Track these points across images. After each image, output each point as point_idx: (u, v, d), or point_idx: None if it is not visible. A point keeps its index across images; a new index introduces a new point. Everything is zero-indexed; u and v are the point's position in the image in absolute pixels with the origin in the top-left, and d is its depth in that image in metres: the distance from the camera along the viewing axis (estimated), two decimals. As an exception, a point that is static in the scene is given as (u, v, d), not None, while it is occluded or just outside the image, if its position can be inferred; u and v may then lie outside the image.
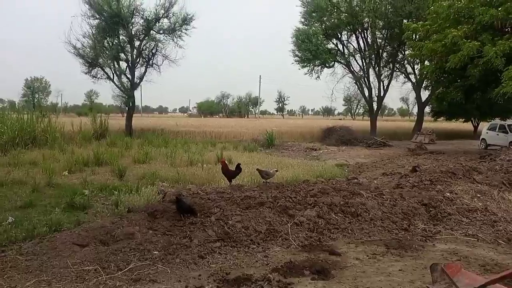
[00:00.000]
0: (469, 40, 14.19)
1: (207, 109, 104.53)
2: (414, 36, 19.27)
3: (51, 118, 19.41)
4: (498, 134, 21.92)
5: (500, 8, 14.00)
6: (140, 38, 24.89)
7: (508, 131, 21.31)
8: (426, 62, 19.97)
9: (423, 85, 27.39)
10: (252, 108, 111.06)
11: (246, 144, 21.83)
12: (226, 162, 13.17)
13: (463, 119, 34.44)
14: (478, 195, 8.00)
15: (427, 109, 34.02)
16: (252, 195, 6.69)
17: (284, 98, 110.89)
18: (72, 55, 23.70)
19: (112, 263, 4.39)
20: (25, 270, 4.20)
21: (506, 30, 14.78)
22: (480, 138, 24.14)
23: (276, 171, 9.15)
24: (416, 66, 28.37)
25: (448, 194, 7.86)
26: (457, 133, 35.05)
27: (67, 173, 10.72)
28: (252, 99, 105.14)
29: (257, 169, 8.78)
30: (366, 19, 27.88)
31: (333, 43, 31.11)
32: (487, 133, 23.25)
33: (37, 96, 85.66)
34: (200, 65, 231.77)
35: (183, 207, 5.73)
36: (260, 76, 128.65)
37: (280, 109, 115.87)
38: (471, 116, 32.24)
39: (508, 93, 12.87)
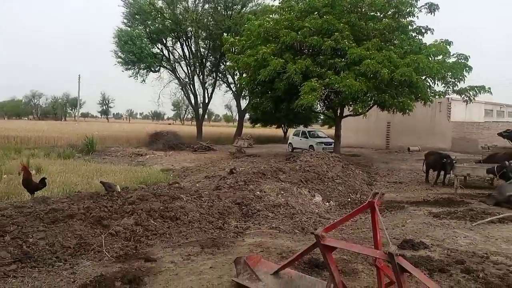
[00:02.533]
0: (275, 57, 16.24)
1: (13, 109, 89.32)
2: (232, 49, 20.87)
3: None
4: (301, 139, 25.66)
5: (299, 32, 16.52)
6: None
7: (308, 136, 25.22)
8: (243, 74, 21.90)
9: (242, 94, 29.85)
10: (71, 110, 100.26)
11: (61, 150, 19.59)
12: (33, 171, 11.58)
13: (275, 126, 39.19)
14: (282, 192, 9.22)
15: (247, 116, 37.31)
16: (60, 207, 6.05)
17: (108, 101, 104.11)
18: None
19: None
20: None
21: (304, 51, 17.51)
22: (288, 142, 27.82)
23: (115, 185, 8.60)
24: (235, 77, 30.79)
25: (258, 192, 8.80)
26: (271, 137, 39.42)
27: None
28: (70, 100, 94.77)
29: (101, 181, 8.39)
30: (189, 28, 28.77)
31: (158, 48, 31.07)
32: (293, 138, 26.94)
33: None
34: (3, 60, 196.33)
35: None
36: (79, 75, 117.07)
37: (105, 112, 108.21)
38: (281, 123, 36.96)
39: (304, 104, 15.25)
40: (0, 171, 11.19)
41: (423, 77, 16.40)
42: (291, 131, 32.86)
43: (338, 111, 19.45)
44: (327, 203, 9.61)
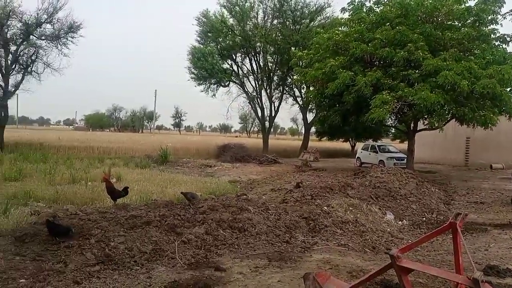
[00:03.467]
0: (344, 70, 15.99)
1: (97, 122, 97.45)
2: (300, 63, 20.95)
3: None
4: (370, 154, 24.79)
5: (369, 44, 16.13)
6: (18, 43, 22.34)
7: (378, 151, 24.28)
8: (311, 87, 21.83)
9: (308, 108, 29.73)
10: (147, 123, 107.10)
11: (139, 160, 20.97)
12: (113, 179, 12.50)
13: (343, 139, 38.30)
14: (351, 208, 8.93)
15: (313, 129, 37.00)
16: (138, 214, 6.46)
17: (181, 114, 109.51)
18: None
19: (-35, 297, 3.82)
20: None
21: (375, 63, 17.04)
22: (356, 157, 27.00)
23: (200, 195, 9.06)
24: (302, 91, 30.78)
25: (325, 207, 8.62)
26: (337, 151, 38.55)
27: None
28: (147, 113, 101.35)
29: (182, 192, 8.73)
30: (258, 43, 29.49)
31: (228, 64, 32.19)
32: (361, 152, 26.11)
33: None
34: (90, 76, 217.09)
35: (54, 230, 5.26)
36: (155, 90, 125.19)
37: (177, 125, 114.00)
38: (349, 136, 36.06)
39: (375, 118, 14.76)
40: (85, 178, 12.25)
41: (508, 89, 15.09)
42: (359, 145, 31.91)
43: (412, 125, 18.53)
44: (400, 222, 9.11)
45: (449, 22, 16.75)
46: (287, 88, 32.74)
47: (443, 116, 16.32)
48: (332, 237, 7.09)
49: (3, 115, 23.41)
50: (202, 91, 31.36)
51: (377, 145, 25.72)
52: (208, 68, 28.22)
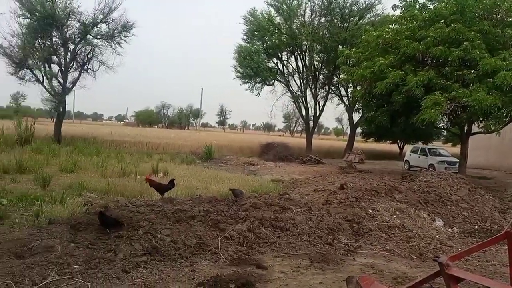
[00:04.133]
0: (394, 69, 15.42)
1: (146, 118, 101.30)
2: (347, 62, 20.51)
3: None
4: (419, 157, 23.82)
5: (421, 42, 15.45)
6: (76, 42, 23.74)
7: (428, 154, 23.27)
8: (358, 87, 21.29)
9: (355, 107, 29.08)
10: (193, 120, 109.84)
11: (184, 156, 21.56)
12: (161, 173, 12.94)
13: (390, 141, 37.05)
14: (397, 213, 8.64)
15: (359, 130, 36.14)
16: (184, 208, 6.65)
17: (226, 112, 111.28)
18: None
19: (27, 277, 4.12)
20: None
21: (427, 62, 16.30)
22: (404, 160, 26.04)
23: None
24: (349, 90, 30.12)
25: (370, 211, 8.40)
26: (384, 153, 37.45)
27: (-18, 181, 9.82)
28: (193, 111, 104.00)
29: (230, 189, 9.00)
30: (304, 42, 29.22)
31: (274, 62, 32.17)
32: (410, 155, 25.16)
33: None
34: (140, 74, 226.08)
35: (106, 221, 5.53)
36: (202, 88, 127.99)
37: (222, 123, 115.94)
38: (397, 138, 34.81)
39: (426, 120, 14.12)
40: (135, 172, 12.78)
41: None
42: (408, 148, 30.76)
43: (465, 127, 17.54)
44: (450, 229, 8.68)
45: (510, 19, 15.65)
46: (333, 87, 32.21)
47: (501, 119, 15.33)
48: (377, 241, 6.91)
49: (61, 110, 24.98)
50: (247, 90, 31.61)
51: (428, 148, 24.67)
52: (253, 66, 28.40)
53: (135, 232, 5.55)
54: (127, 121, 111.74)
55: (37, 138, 20.60)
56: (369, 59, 17.40)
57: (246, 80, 30.69)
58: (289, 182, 16.29)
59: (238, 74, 30.55)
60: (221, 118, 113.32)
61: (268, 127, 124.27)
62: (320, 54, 30.52)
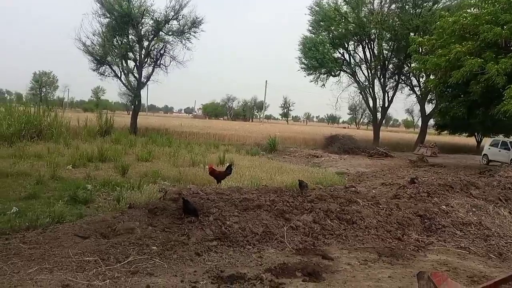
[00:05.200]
0: (472, 57, 14.30)
1: (212, 111, 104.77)
2: (419, 50, 19.43)
3: (57, 113, 19.66)
4: (500, 151, 21.94)
5: (505, 27, 14.13)
6: (149, 39, 25.22)
7: (510, 148, 21.34)
8: (431, 76, 20.10)
9: (427, 98, 27.53)
10: (257, 112, 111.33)
11: (249, 147, 22.01)
12: (227, 163, 13.35)
13: (467, 134, 34.41)
14: (474, 209, 8.10)
15: (431, 122, 34.11)
16: (251, 197, 6.85)
17: (289, 104, 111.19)
18: (81, 52, 24.11)
19: (112, 255, 4.55)
20: (28, 258, 4.37)
21: (510, 48, 14.90)
22: (482, 154, 24.15)
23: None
24: (421, 79, 28.53)
25: (444, 207, 7.97)
26: (460, 147, 35.02)
27: (71, 167, 10.92)
28: (257, 103, 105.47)
29: (299, 180, 8.92)
30: (373, 30, 28.16)
31: (340, 53, 31.42)
32: (489, 149, 23.27)
33: (44, 90, 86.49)
34: (207, 68, 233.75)
35: (188, 208, 5.86)
36: (266, 81, 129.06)
37: (285, 115, 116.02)
38: (474, 131, 32.19)
39: (509, 111, 12.96)
40: (203, 162, 13.34)
41: None
42: (487, 141, 28.39)
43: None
44: (535, 230, 7.95)
45: None
46: (403, 77, 30.72)
47: None
48: (451, 238, 6.55)
49: (137, 103, 26.78)
50: (311, 81, 31.30)
51: (510, 142, 22.59)
52: (318, 57, 27.99)
53: (206, 218, 5.84)
54: (195, 113, 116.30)
55: (116, 129, 22.33)
56: (444, 46, 16.34)
57: (311, 72, 30.36)
58: (354, 175, 15.92)
59: (303, 65, 30.32)
60: (285, 110, 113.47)
61: (332, 119, 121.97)
62: (390, 43, 29.20)
